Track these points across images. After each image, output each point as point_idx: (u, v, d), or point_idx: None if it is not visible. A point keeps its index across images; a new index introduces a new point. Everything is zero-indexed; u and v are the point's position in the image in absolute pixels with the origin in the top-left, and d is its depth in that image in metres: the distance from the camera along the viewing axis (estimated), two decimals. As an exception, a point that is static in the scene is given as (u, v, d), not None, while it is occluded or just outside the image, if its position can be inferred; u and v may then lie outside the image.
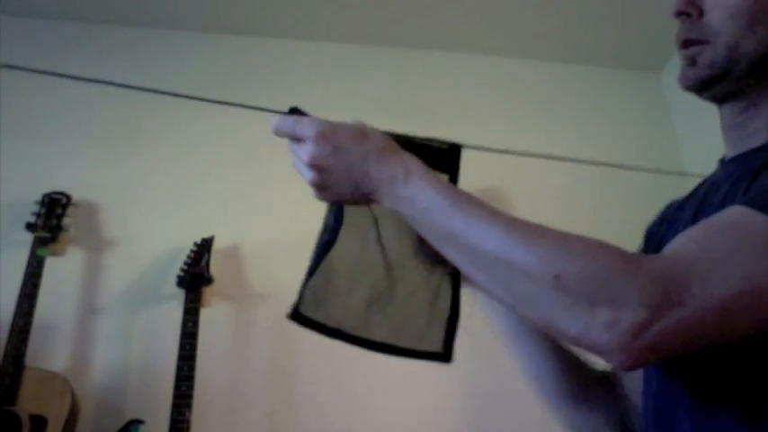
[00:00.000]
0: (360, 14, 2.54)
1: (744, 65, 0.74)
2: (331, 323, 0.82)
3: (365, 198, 0.76)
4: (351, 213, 0.83)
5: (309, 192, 0.79)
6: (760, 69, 0.74)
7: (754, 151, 0.73)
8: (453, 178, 0.83)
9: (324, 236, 0.83)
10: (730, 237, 0.60)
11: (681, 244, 0.62)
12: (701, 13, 0.76)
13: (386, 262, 0.85)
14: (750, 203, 0.61)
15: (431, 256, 0.81)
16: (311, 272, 0.82)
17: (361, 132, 0.76)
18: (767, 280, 0.57)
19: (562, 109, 2.66)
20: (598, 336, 0.57)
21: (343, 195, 0.76)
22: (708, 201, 0.75)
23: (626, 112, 2.70)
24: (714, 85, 0.76)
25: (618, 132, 2.63)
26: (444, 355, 0.84)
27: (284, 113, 0.79)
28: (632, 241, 0.85)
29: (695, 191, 0.83)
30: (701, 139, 2.43)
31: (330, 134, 0.74)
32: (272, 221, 2.26)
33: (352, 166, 0.73)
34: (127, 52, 2.51)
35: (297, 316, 0.82)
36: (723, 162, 0.80)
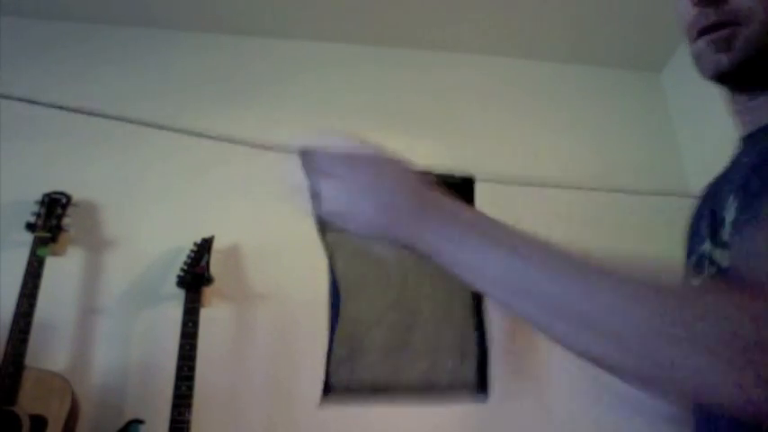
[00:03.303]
0: (359, 14, 2.54)
1: None
2: (366, 384, 0.78)
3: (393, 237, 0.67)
4: (354, 266, 0.79)
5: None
6: None
7: (764, 130, 0.72)
8: None
9: (330, 312, 0.79)
10: None
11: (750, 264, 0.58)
12: None
13: (400, 301, 0.81)
14: None
15: (448, 287, 0.78)
16: (330, 348, 0.78)
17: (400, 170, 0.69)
18: None
19: (562, 109, 2.66)
20: (761, 395, 0.50)
21: (361, 226, 0.69)
22: (729, 178, 0.73)
23: (626, 112, 2.70)
24: (748, 69, 0.72)
25: (617, 132, 2.63)
26: (480, 390, 0.79)
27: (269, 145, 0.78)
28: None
29: (728, 169, 0.80)
30: (701, 138, 2.43)
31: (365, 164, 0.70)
32: (272, 221, 2.25)
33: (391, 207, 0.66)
34: (127, 52, 2.52)
35: (330, 392, 0.77)
36: (742, 140, 0.78)
